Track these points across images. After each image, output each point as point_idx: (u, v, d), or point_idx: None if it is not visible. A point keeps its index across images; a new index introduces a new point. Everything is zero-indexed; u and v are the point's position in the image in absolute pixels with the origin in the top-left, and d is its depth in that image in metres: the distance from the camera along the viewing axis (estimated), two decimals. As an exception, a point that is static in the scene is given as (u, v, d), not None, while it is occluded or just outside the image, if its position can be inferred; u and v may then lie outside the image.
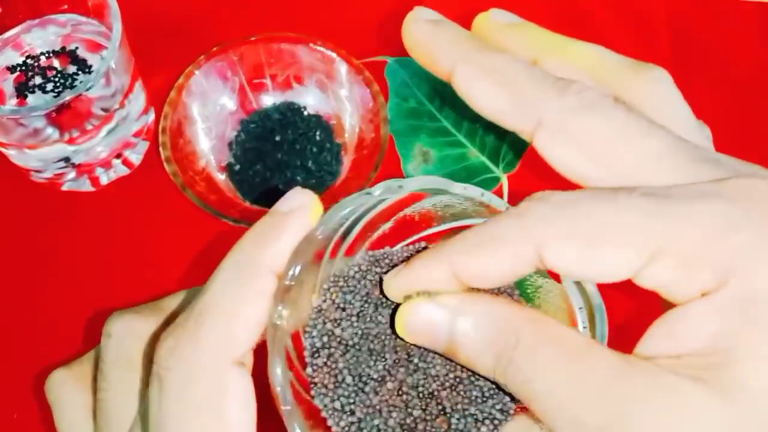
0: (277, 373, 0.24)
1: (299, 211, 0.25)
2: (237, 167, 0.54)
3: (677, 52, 0.61)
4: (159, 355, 0.25)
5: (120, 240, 0.53)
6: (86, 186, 0.54)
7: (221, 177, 0.54)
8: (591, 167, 0.23)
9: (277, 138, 0.54)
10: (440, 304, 0.23)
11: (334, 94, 0.55)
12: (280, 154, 0.54)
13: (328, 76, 0.55)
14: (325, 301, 0.26)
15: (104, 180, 0.54)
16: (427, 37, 0.26)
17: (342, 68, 0.54)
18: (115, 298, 0.51)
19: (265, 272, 0.25)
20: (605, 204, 0.21)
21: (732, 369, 0.20)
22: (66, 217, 0.53)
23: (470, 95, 0.24)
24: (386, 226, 0.27)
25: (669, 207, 0.21)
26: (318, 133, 0.55)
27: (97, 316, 0.50)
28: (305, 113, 0.56)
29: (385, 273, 0.26)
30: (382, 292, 0.26)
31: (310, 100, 0.56)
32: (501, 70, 0.24)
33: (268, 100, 0.56)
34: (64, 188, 0.54)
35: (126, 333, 0.30)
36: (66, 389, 0.32)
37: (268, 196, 0.53)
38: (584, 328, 0.26)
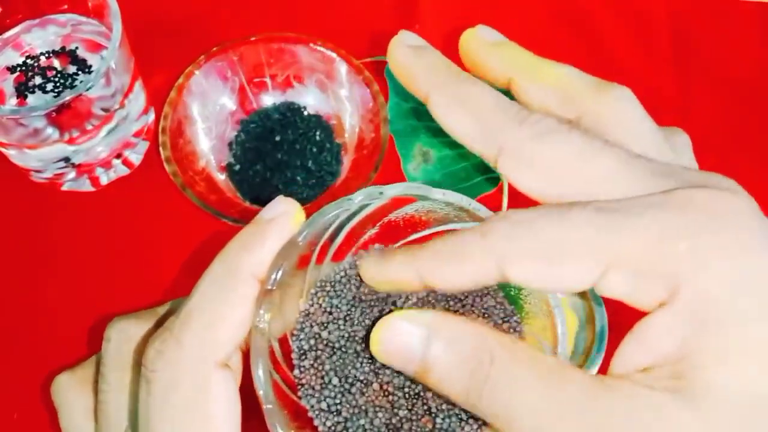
0: (260, 375, 0.25)
1: (281, 219, 0.27)
2: (237, 167, 0.54)
3: (677, 52, 0.61)
4: (146, 358, 0.26)
5: (120, 240, 0.53)
6: (86, 186, 0.54)
7: (221, 177, 0.54)
8: (551, 189, 0.24)
9: (277, 138, 0.54)
10: (414, 323, 0.23)
11: (334, 94, 0.55)
12: (280, 154, 0.54)
13: (328, 76, 0.55)
14: (312, 305, 0.27)
15: (104, 180, 0.54)
16: (408, 61, 0.27)
17: (342, 68, 0.54)
18: (116, 298, 0.51)
19: (247, 277, 0.26)
20: (559, 221, 0.22)
21: (696, 375, 0.20)
22: (66, 217, 0.53)
23: (443, 121, 0.26)
24: (372, 232, 0.28)
25: (617, 220, 0.22)
26: (318, 133, 0.55)
27: (97, 316, 0.50)
28: (305, 113, 0.56)
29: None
30: (368, 296, 0.27)
31: (310, 100, 0.56)
32: (470, 99, 0.26)
33: (268, 100, 0.56)
34: (64, 188, 0.54)
35: (124, 337, 0.32)
36: (70, 392, 0.33)
37: (268, 196, 0.53)
38: (562, 330, 0.26)
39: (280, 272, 0.26)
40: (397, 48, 0.28)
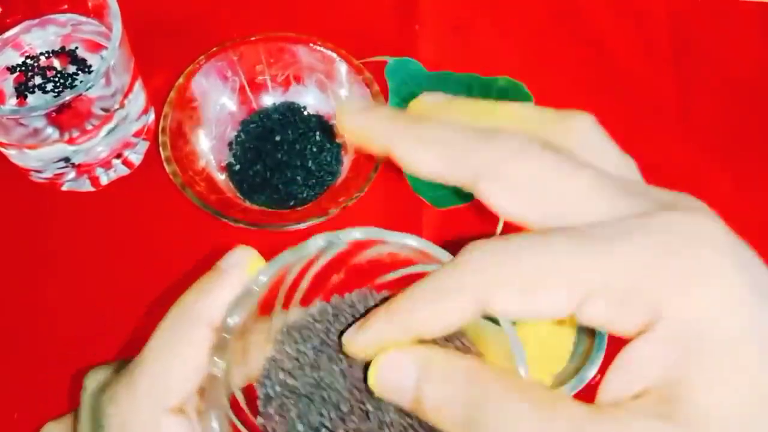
0: (212, 424, 0.25)
1: (237, 267, 0.27)
2: (237, 167, 0.54)
3: (677, 52, 0.61)
4: (102, 403, 0.27)
5: (120, 240, 0.53)
6: (86, 186, 0.54)
7: (221, 177, 0.54)
8: (532, 211, 0.24)
9: (277, 138, 0.54)
10: (406, 359, 0.24)
11: (334, 94, 0.55)
12: (280, 154, 0.54)
13: (328, 76, 0.55)
14: (278, 351, 0.27)
15: (104, 180, 0.54)
16: (360, 122, 0.27)
17: (342, 68, 0.54)
18: (116, 298, 0.51)
19: (201, 325, 0.26)
20: (537, 248, 0.22)
21: (685, 400, 0.21)
22: (66, 217, 0.53)
23: (410, 164, 0.25)
24: (339, 276, 0.28)
25: (596, 246, 0.22)
26: (318, 133, 0.55)
27: (97, 315, 0.50)
28: (305, 113, 0.56)
29: (337, 322, 0.27)
30: (335, 341, 0.26)
31: (310, 100, 0.56)
32: (433, 135, 0.25)
33: (268, 100, 0.56)
34: (64, 188, 0.54)
35: (98, 386, 0.32)
36: None
37: (268, 196, 0.53)
38: (524, 370, 0.26)
39: (236, 319, 0.26)
40: (345, 114, 0.27)
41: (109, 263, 0.52)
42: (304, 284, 0.27)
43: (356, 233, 0.26)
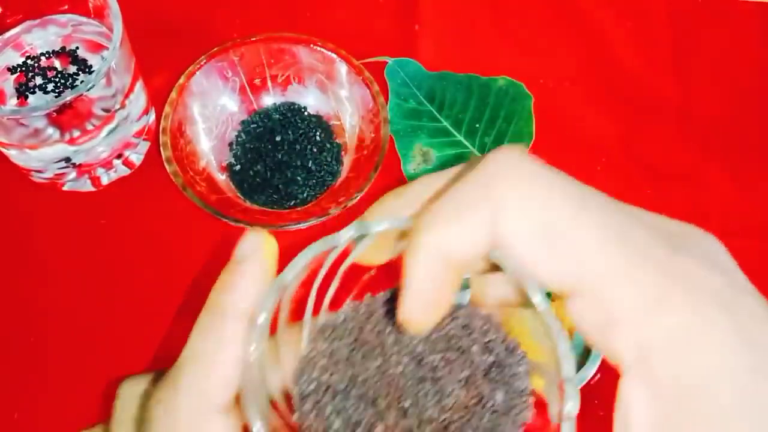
0: (252, 409, 0.24)
1: (253, 255, 0.27)
2: (237, 167, 0.54)
3: (678, 52, 0.61)
4: (148, 407, 0.27)
5: (121, 240, 0.53)
6: (87, 186, 0.54)
7: (222, 177, 0.54)
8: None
9: (278, 138, 0.54)
10: None
11: (335, 95, 0.55)
12: (280, 154, 0.54)
13: (328, 77, 0.55)
14: (312, 350, 0.27)
15: (105, 180, 0.54)
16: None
17: (342, 69, 0.54)
18: (116, 298, 0.51)
19: (232, 317, 0.26)
20: (573, 210, 0.22)
21: None
22: (66, 218, 0.53)
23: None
24: (370, 275, 0.28)
25: (621, 248, 0.21)
26: (318, 133, 0.55)
27: (97, 315, 0.51)
28: (305, 113, 0.56)
29: (372, 319, 0.27)
30: (369, 339, 0.26)
31: (310, 100, 0.56)
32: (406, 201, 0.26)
33: (269, 100, 0.56)
34: (65, 188, 0.54)
35: (132, 395, 0.32)
36: None
37: (268, 196, 0.53)
38: (564, 351, 0.25)
39: (269, 307, 0.25)
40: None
41: (110, 263, 0.52)
42: (336, 282, 0.27)
43: (386, 223, 0.26)
